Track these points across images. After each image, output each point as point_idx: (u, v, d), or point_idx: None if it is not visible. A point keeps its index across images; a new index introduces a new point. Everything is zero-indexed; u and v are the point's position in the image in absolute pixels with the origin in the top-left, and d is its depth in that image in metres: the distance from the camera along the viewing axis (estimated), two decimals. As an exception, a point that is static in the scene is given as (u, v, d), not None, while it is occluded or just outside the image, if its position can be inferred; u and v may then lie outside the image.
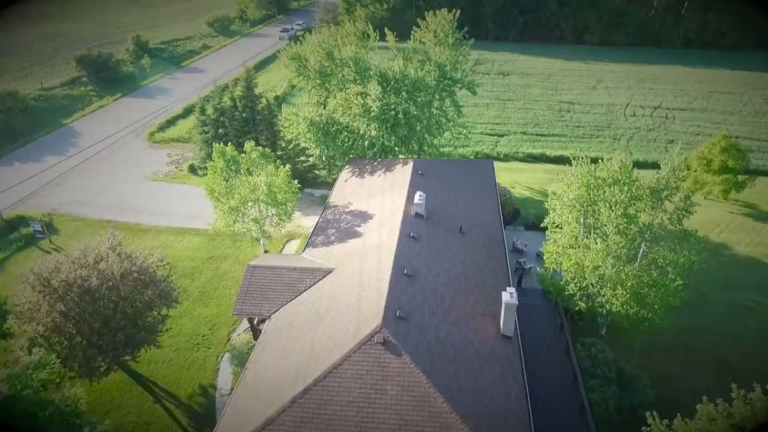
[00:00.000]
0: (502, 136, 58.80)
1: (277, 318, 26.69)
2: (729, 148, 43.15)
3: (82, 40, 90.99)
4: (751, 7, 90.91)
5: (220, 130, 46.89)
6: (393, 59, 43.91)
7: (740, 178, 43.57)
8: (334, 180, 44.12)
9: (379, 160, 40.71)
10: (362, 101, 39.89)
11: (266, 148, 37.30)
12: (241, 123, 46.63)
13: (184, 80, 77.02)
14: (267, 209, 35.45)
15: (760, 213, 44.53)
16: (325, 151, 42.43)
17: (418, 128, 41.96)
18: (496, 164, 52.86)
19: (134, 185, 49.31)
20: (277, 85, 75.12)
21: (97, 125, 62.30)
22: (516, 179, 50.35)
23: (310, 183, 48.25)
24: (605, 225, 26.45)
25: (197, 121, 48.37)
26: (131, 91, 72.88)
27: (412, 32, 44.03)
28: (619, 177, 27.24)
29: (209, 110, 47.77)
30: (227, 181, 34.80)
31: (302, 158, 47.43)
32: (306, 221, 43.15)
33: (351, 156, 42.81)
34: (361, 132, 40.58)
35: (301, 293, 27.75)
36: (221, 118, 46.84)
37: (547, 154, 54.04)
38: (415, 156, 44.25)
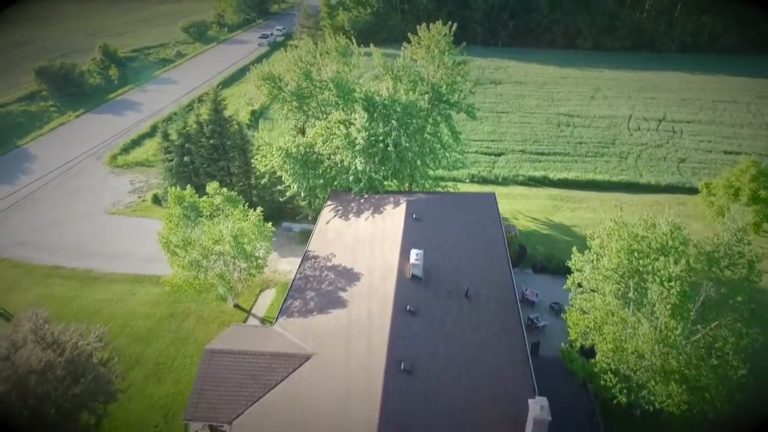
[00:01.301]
0: (499, 155, 52.84)
1: (241, 427, 20.42)
2: (759, 176, 37.70)
3: (45, 49, 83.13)
4: (748, 6, 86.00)
5: (186, 158, 40.28)
6: (380, 78, 37.62)
7: (771, 206, 38.17)
8: (317, 212, 37.96)
9: (366, 195, 34.51)
10: (345, 131, 33.59)
11: (232, 192, 30.83)
12: (209, 150, 40.05)
13: (155, 93, 69.82)
14: (234, 262, 29.10)
15: (791, 245, 39.19)
16: (304, 185, 36.11)
17: (410, 157, 35.81)
18: (495, 190, 47.16)
19: (90, 220, 42.50)
20: (255, 97, 68.28)
21: (54, 147, 55.13)
22: (518, 207, 44.45)
23: (289, 215, 41.92)
24: (654, 303, 20.56)
25: (159, 147, 41.65)
26: (96, 106, 65.56)
27: (402, 48, 37.75)
28: (670, 243, 21.32)
29: (173, 134, 41.08)
30: (186, 230, 28.36)
31: (280, 187, 41.01)
32: (283, 265, 36.84)
33: (334, 188, 36.59)
34: (345, 165, 34.31)
35: (272, 388, 21.53)
36: (186, 145, 40.21)
37: (550, 177, 48.18)
38: (407, 187, 38.23)
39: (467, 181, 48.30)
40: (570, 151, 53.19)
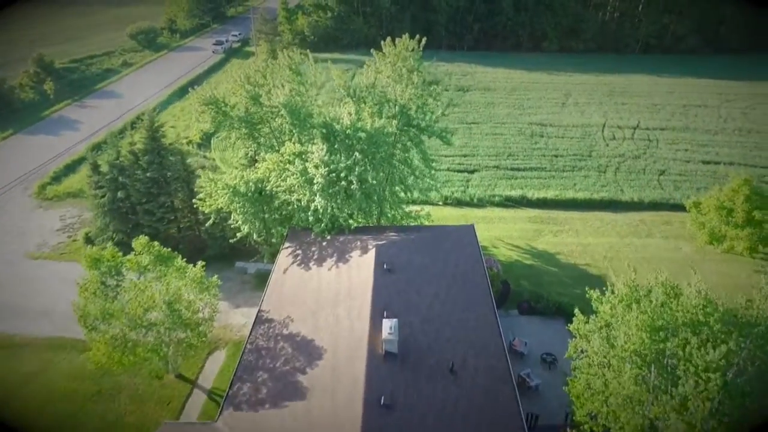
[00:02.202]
0: (472, 172, 48.44)
1: None
2: (753, 196, 34.37)
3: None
4: (707, 8, 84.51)
5: (120, 194, 34.24)
6: (341, 99, 32.46)
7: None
8: (274, 250, 32.72)
9: (329, 237, 29.37)
10: (301, 166, 28.32)
11: (167, 249, 25.19)
12: (147, 184, 34.11)
13: (96, 108, 62.54)
14: (169, 333, 23.59)
15: (787, 269, 36.08)
16: (257, 225, 30.71)
17: (378, 192, 30.82)
18: (471, 213, 42.81)
19: (9, 268, 35.95)
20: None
21: (-25, 175, 47.83)
22: (497, 233, 40.11)
23: (244, 253, 36.39)
24: (688, 398, 16.27)
25: (89, 180, 35.42)
26: (28, 126, 57.98)
27: (366, 65, 32.76)
28: (702, 319, 17.10)
29: (103, 166, 34.92)
30: (107, 299, 22.68)
31: (231, 222, 35.44)
32: (236, 317, 31.41)
33: (293, 225, 31.34)
34: (303, 204, 29.06)
35: None
36: (120, 178, 34.17)
37: (528, 196, 44.04)
38: (376, 221, 33.28)
39: (440, 203, 43.70)
40: (546, 165, 49.24)
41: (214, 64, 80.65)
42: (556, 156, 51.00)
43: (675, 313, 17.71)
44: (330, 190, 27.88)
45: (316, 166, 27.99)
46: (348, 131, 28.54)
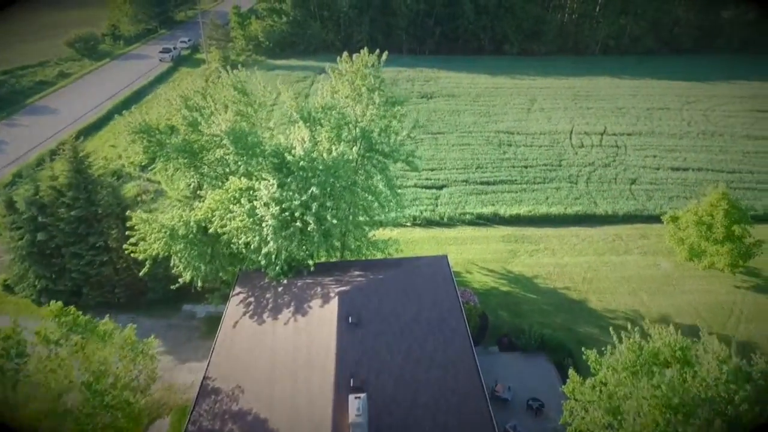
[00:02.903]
0: (441, 188, 45.28)
1: None
2: (732, 210, 32.45)
3: None
4: (663, 10, 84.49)
5: (40, 235, 29.29)
6: (294, 122, 28.51)
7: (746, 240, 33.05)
8: (225, 292, 28.68)
9: (285, 281, 25.50)
10: (249, 205, 24.27)
11: (86, 316, 20.77)
12: (73, 224, 29.27)
13: (26, 127, 56.19)
14: (91, 420, 19.25)
15: (767, 284, 34.41)
16: (201, 271, 26.46)
17: (340, 226, 27.05)
18: (441, 234, 39.63)
19: None
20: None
21: None
22: (470, 256, 37.05)
23: (192, 295, 31.96)
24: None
25: (2, 220, 30.25)
26: (-53, 148, 51.42)
27: (320, 83, 29.02)
28: (725, 395, 14.28)
29: (20, 203, 29.84)
30: (6, 387, 18.17)
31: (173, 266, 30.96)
32: (182, 374, 27.17)
33: (244, 268, 27.31)
34: (253, 247, 25.04)
35: None
36: (40, 218, 29.22)
37: (501, 213, 41.22)
38: (339, 255, 29.60)
39: (409, 224, 40.35)
40: (517, 177, 46.60)
41: (161, 73, 74.91)
42: (526, 167, 48.47)
43: (692, 387, 14.80)
44: (283, 233, 23.96)
45: (266, 205, 24.01)
46: (302, 162, 24.66)
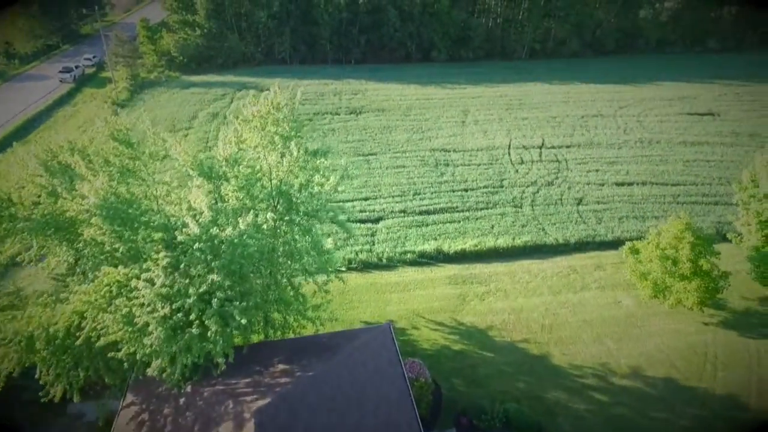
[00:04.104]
0: (377, 221, 39.28)
1: None
2: (698, 242, 28.62)
3: None
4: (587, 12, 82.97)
5: None
6: (190, 178, 21.33)
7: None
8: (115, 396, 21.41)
9: (188, 388, 18.55)
10: (126, 309, 17.14)
11: None
12: None
13: None
14: None
15: (735, 318, 30.99)
16: (79, 380, 19.10)
17: (257, 307, 20.39)
18: (381, 279, 33.65)
19: None
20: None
21: None
22: (414, 306, 31.31)
23: (85, 393, 24.09)
24: None
25: None
26: None
27: (221, 132, 22.37)
28: None
29: None
30: None
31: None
32: None
33: (134, 375, 20.14)
34: (140, 359, 17.89)
35: None
36: None
37: (445, 249, 35.81)
38: (261, 330, 22.98)
39: (344, 269, 34.01)
40: (458, 203, 41.42)
41: (61, 95, 64.38)
42: (466, 190, 43.43)
43: None
44: (177, 343, 17.02)
45: (149, 305, 16.93)
46: (199, 244, 17.73)
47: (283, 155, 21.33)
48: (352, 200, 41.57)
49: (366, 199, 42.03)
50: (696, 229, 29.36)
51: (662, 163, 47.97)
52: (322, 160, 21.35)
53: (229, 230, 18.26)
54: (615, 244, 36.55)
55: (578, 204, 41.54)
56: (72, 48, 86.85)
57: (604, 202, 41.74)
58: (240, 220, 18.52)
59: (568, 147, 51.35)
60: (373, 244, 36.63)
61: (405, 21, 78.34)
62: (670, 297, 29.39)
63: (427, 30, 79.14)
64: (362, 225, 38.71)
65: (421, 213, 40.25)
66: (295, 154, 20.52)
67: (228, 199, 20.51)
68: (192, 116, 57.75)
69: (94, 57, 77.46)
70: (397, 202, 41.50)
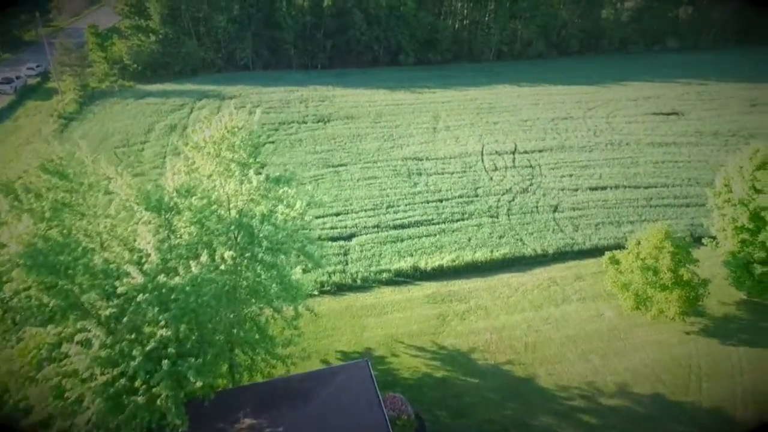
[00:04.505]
0: (350, 238, 37.73)
1: None
2: (678, 250, 28.26)
3: None
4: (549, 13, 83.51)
5: None
6: (135, 212, 19.20)
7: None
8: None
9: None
10: (55, 379, 15.03)
11: None
12: None
13: None
14: None
15: (715, 325, 30.85)
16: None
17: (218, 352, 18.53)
18: (356, 302, 32.12)
19: None
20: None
21: None
22: (392, 330, 29.94)
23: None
24: None
25: None
26: None
27: (168, 165, 20.36)
28: None
29: None
30: None
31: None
32: None
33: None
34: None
35: None
36: None
37: (422, 266, 34.58)
38: (227, 372, 21.10)
39: (316, 293, 32.31)
40: (432, 215, 40.29)
41: (1, 108, 60.02)
42: (441, 200, 42.35)
43: None
44: (119, 416, 15.04)
45: (85, 373, 14.87)
46: (144, 295, 15.73)
47: (242, 183, 19.56)
48: (323, 216, 39.91)
49: (337, 214, 40.41)
50: (675, 237, 28.99)
51: (633, 166, 48.12)
52: (286, 188, 19.63)
53: (179, 276, 16.29)
54: (593, 252, 36.23)
55: (554, 211, 41.03)
56: (13, 56, 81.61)
57: (580, 208, 41.37)
58: (193, 264, 16.60)
59: (540, 151, 50.98)
60: (347, 264, 35.08)
61: (371, 24, 76.87)
62: (652, 308, 28.97)
63: (394, 33, 77.90)
64: (334, 243, 37.11)
65: (395, 227, 38.91)
66: (254, 183, 18.75)
67: (181, 234, 18.52)
68: (148, 129, 54.66)
69: (37, 66, 72.98)
70: (370, 217, 40.05)
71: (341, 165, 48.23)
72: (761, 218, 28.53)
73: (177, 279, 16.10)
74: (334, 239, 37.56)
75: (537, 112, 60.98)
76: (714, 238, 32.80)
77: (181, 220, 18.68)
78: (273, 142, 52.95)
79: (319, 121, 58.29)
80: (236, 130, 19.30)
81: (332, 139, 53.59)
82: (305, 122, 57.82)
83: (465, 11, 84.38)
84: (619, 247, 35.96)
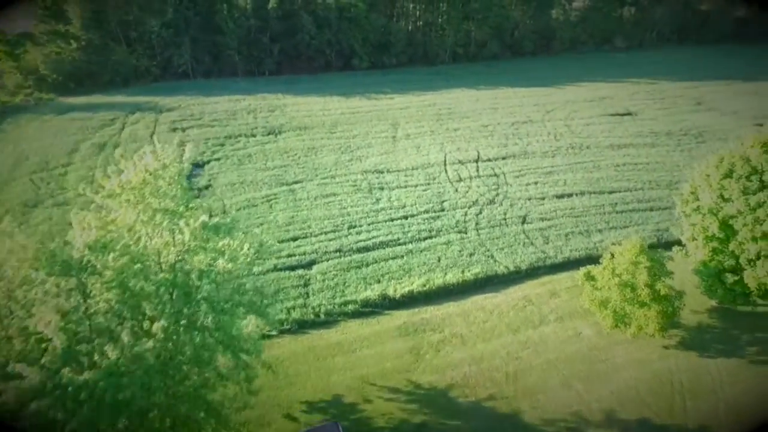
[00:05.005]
0: (310, 266, 34.97)
1: None
2: (654, 265, 27.41)
3: None
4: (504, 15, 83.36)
5: None
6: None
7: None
8: None
9: None
10: None
11: None
12: None
13: None
14: None
15: (691, 336, 30.23)
16: None
17: None
18: (320, 340, 29.53)
19: None
20: None
21: None
22: (363, 370, 27.54)
23: None
24: None
25: None
26: None
27: (74, 217, 16.94)
28: None
29: None
30: None
31: None
32: None
33: None
34: None
35: None
36: None
37: (390, 294, 32.34)
38: None
39: (275, 332, 29.53)
40: (398, 234, 38.16)
41: None
42: (406, 217, 40.29)
43: None
44: None
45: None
46: (44, 400, 12.58)
47: (173, 233, 16.59)
48: (279, 242, 36.99)
49: (295, 239, 37.55)
50: (649, 251, 28.14)
51: (596, 170, 47.80)
52: (227, 240, 16.78)
53: (90, 371, 13.17)
54: (565, 265, 35.24)
55: (523, 223, 39.82)
56: None
57: (548, 218, 40.36)
58: (109, 349, 13.53)
59: (504, 159, 49.92)
60: (308, 297, 32.35)
61: (321, 27, 74.10)
62: (631, 326, 28.01)
63: (346, 36, 75.46)
64: (292, 273, 34.24)
65: (359, 250, 36.49)
66: (186, 235, 15.82)
67: (98, 301, 15.32)
68: (72, 149, 49.39)
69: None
70: (330, 240, 37.45)
71: (296, 182, 45.33)
72: (730, 226, 28.13)
73: (87, 374, 13.03)
74: (292, 268, 34.70)
75: (497, 117, 60.15)
76: (683, 245, 32.21)
77: (98, 282, 15.53)
78: (219, 160, 49.44)
79: (269, 134, 55.08)
80: (160, 172, 16.33)
81: (285, 153, 50.56)
82: (254, 135, 54.49)
83: (418, 12, 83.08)
84: (591, 258, 35.54)
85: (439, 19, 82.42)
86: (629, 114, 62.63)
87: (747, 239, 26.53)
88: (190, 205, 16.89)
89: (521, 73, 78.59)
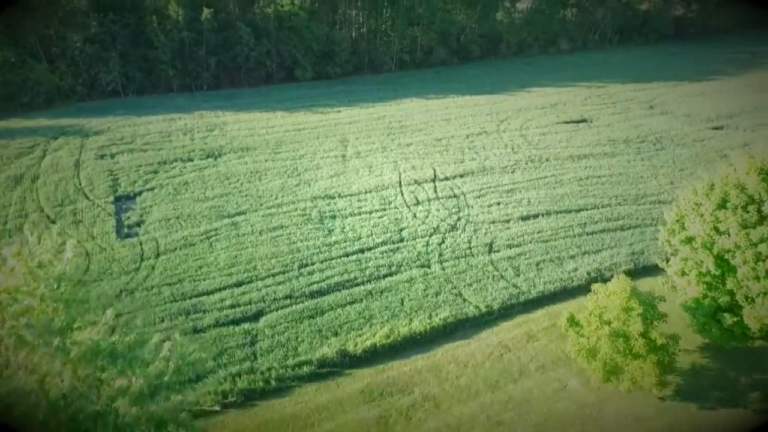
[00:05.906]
0: (257, 317, 29.66)
1: None
2: (646, 309, 24.01)
3: None
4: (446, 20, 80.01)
5: None
6: None
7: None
8: None
9: None
10: None
11: None
12: None
13: None
14: None
15: (686, 382, 27.05)
16: None
17: None
18: (271, 413, 24.31)
19: None
20: None
21: None
22: (323, 457, 22.62)
23: None
24: None
25: None
26: None
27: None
28: None
29: None
30: None
31: None
32: None
33: None
34: None
35: None
36: None
37: (350, 350, 27.54)
38: None
39: (218, 407, 24.22)
40: (355, 273, 33.40)
41: None
42: (363, 251, 35.61)
43: None
44: None
45: None
46: None
47: (52, 360, 11.24)
48: (219, 290, 31.47)
49: (238, 284, 32.09)
50: (640, 294, 24.75)
51: (558, 185, 44.78)
52: (129, 375, 11.61)
53: None
54: (540, 300, 31.73)
55: (490, 251, 35.98)
56: None
57: (516, 244, 36.71)
58: None
59: (462, 176, 46.08)
60: (255, 358, 27.08)
61: (260, 38, 68.04)
62: (624, 380, 24.53)
63: (287, 46, 69.76)
64: (237, 328, 28.87)
65: (312, 295, 31.48)
66: (67, 375, 10.56)
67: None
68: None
69: None
70: (279, 283, 32.24)
71: (239, 213, 39.68)
72: (725, 261, 25.16)
73: None
74: (236, 322, 29.29)
75: (450, 129, 56.41)
76: (666, 275, 29.08)
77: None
78: (152, 189, 43.02)
79: (208, 157, 48.98)
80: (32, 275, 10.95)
81: (226, 180, 44.67)
82: (191, 159, 48.24)
83: (361, 19, 78.41)
84: (567, 291, 32.43)
85: (383, 26, 78.15)
86: (584, 121, 60.51)
87: (748, 277, 23.52)
88: (77, 325, 11.52)
89: (470, 80, 75.55)
